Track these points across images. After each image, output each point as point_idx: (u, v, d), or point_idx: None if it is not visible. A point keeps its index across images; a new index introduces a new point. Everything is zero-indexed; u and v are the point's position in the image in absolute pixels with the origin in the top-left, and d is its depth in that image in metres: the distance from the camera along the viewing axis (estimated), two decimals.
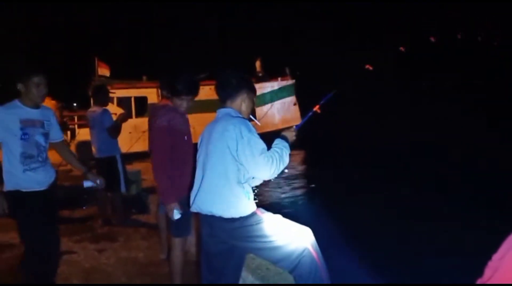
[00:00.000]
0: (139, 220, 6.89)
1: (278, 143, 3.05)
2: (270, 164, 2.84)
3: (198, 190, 3.06)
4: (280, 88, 18.24)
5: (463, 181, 9.28)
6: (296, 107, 18.21)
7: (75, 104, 21.94)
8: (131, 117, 6.73)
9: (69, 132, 15.71)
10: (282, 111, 18.20)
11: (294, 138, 3.15)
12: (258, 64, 18.76)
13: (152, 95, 16.41)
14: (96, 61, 16.96)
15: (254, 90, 3.27)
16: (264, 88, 17.79)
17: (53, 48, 30.61)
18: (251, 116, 3.32)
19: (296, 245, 2.96)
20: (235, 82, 3.20)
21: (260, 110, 17.23)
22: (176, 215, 3.78)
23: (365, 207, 7.58)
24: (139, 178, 8.06)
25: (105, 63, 17.44)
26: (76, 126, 15.67)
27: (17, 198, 3.59)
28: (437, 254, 5.63)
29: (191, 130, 4.23)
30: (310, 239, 3.02)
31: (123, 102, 15.47)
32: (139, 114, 15.44)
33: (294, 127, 3.24)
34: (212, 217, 3.00)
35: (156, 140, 4.00)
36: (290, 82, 18.28)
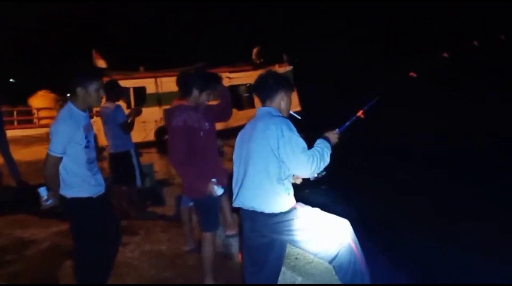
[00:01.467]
0: (156, 212, 7.01)
1: (320, 143, 3.17)
2: (311, 162, 2.97)
3: (240, 186, 3.19)
4: None
5: None
6: (295, 94, 18.29)
7: (68, 95, 21.84)
8: (141, 111, 6.76)
9: None
10: None
11: (336, 140, 3.27)
12: (255, 51, 18.80)
13: (150, 85, 16.48)
14: (94, 53, 16.90)
15: (292, 88, 3.38)
16: None
17: (48, 40, 30.44)
18: (291, 113, 3.42)
19: (334, 237, 3.11)
20: (272, 82, 3.32)
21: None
22: (219, 190, 3.96)
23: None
24: (152, 171, 8.16)
25: (101, 55, 17.38)
26: None
27: (89, 204, 3.58)
28: None
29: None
30: (349, 230, 3.17)
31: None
32: (138, 104, 15.46)
33: (337, 130, 3.35)
34: (254, 212, 3.13)
35: (174, 141, 4.09)
36: (288, 68, 18.33)
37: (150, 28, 33.55)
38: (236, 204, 3.27)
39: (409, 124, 14.69)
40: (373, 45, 30.91)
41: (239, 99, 18.00)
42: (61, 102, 16.32)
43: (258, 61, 18.68)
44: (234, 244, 5.09)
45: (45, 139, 17.52)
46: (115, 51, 20.36)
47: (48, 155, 3.43)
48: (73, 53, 24.35)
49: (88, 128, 3.59)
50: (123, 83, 15.81)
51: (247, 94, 18.36)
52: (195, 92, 4.17)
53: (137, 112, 6.75)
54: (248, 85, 18.12)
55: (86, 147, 3.53)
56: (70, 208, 3.58)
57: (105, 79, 13.54)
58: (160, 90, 16.40)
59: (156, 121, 15.73)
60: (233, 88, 17.06)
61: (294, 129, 3.07)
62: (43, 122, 19.06)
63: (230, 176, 3.63)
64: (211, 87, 4.27)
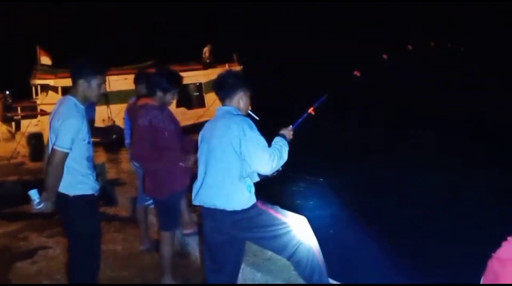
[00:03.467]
0: (108, 212, 6.91)
1: (278, 140, 3.27)
2: (272, 160, 3.06)
3: (201, 185, 3.23)
4: None
5: None
6: None
7: (7, 92, 21.04)
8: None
9: (13, 123, 15.17)
10: None
11: (291, 136, 3.38)
12: (206, 50, 18.78)
13: None
14: (38, 50, 16.41)
15: (250, 88, 3.45)
16: (211, 74, 17.83)
17: None
18: (249, 112, 3.49)
19: (293, 234, 3.21)
20: (231, 81, 3.37)
21: (209, 97, 17.31)
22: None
23: None
24: (103, 171, 8.01)
25: (46, 51, 16.90)
26: (20, 117, 15.13)
27: (91, 201, 3.51)
28: None
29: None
30: (306, 227, 3.27)
31: (68, 91, 15.11)
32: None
33: (291, 126, 3.46)
34: (215, 210, 3.18)
35: (139, 139, 4.09)
36: (237, 68, 18.42)
37: (97, 24, 32.78)
38: (196, 202, 3.29)
39: None
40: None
41: (189, 98, 17.91)
42: (5, 99, 15.87)
43: (208, 60, 18.66)
44: (191, 243, 5.11)
45: None
46: (60, 47, 19.76)
47: (55, 151, 3.27)
48: (16, 48, 23.53)
49: (90, 123, 3.53)
50: (69, 81, 15.51)
51: (197, 93, 18.30)
52: (159, 93, 4.16)
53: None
54: (198, 84, 18.08)
55: (88, 143, 3.45)
56: (73, 207, 3.44)
57: (55, 77, 13.11)
58: (108, 89, 16.08)
59: (104, 120, 15.44)
60: (183, 87, 16.94)
61: (255, 127, 3.14)
62: None
63: (192, 176, 3.67)
64: (175, 88, 4.26)
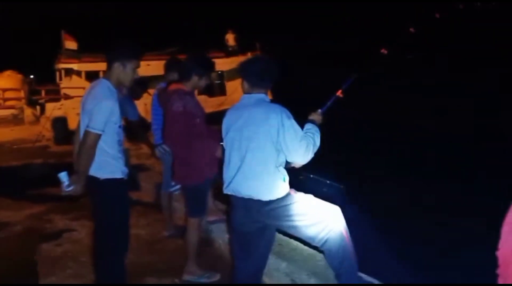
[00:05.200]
0: (131, 197, 6.83)
1: (310, 127, 3.23)
2: (308, 150, 3.05)
3: (236, 174, 3.18)
4: None
5: None
6: None
7: (32, 76, 21.29)
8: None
9: (38, 107, 15.35)
10: None
11: (321, 121, 3.35)
12: (231, 37, 18.69)
13: None
14: (63, 34, 16.53)
15: (278, 76, 3.38)
16: (234, 63, 17.76)
17: (15, 19, 29.46)
18: None
19: (326, 222, 3.17)
20: (260, 69, 3.31)
21: (230, 85, 17.27)
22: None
23: None
24: (127, 156, 8.04)
25: (72, 36, 17.01)
26: (44, 100, 15.30)
27: (121, 185, 3.48)
28: None
29: None
30: (339, 217, 3.23)
31: (92, 76, 15.22)
32: None
33: (319, 110, 3.42)
34: (250, 200, 3.14)
35: (174, 125, 4.12)
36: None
37: (122, 11, 32.91)
38: (227, 191, 3.26)
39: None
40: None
41: (210, 86, 17.88)
42: (30, 83, 16.11)
43: (230, 48, 18.59)
44: (215, 230, 5.11)
45: (11, 120, 17.20)
46: (87, 32, 19.87)
47: (88, 132, 3.24)
48: (41, 32, 23.72)
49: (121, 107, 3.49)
50: (94, 66, 15.69)
51: (219, 81, 18.27)
52: (195, 78, 4.15)
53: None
54: (219, 72, 18.03)
55: (120, 127, 3.43)
56: (103, 190, 3.43)
57: (79, 61, 13.25)
58: None
59: None
60: None
61: (292, 117, 3.09)
62: (8, 103, 18.51)
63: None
64: (209, 72, 4.27)
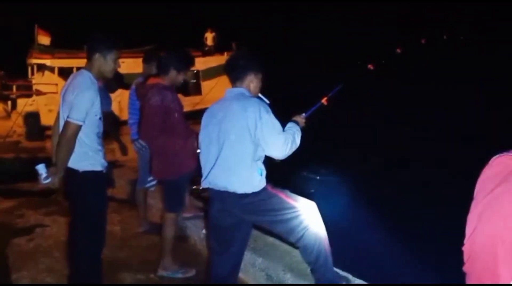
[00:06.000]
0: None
1: (291, 126, 3.26)
2: (287, 144, 3.06)
3: (213, 166, 3.20)
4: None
5: None
6: None
7: (2, 71, 20.85)
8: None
9: (9, 102, 15.01)
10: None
11: (303, 124, 3.39)
12: (210, 36, 18.64)
13: None
14: (36, 28, 16.21)
15: (262, 71, 3.41)
16: (210, 62, 17.73)
17: None
18: (260, 95, 3.46)
19: (302, 218, 3.20)
20: (243, 64, 3.34)
21: (205, 85, 17.23)
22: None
23: None
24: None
25: (46, 30, 16.70)
26: (15, 96, 14.97)
27: (100, 178, 3.46)
28: None
29: None
30: (315, 213, 3.27)
31: (65, 73, 14.96)
32: None
33: (303, 114, 3.47)
34: (225, 193, 3.15)
35: (150, 119, 4.09)
36: None
37: (98, 7, 32.39)
38: (205, 184, 3.27)
39: None
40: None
41: (185, 85, 17.79)
42: (2, 78, 15.70)
43: (207, 48, 18.56)
44: (190, 226, 5.10)
45: None
46: (61, 28, 19.53)
47: (68, 123, 3.21)
48: (13, 26, 23.25)
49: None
50: (67, 62, 15.44)
51: (194, 80, 18.19)
52: (173, 72, 4.15)
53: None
54: (195, 71, 17.95)
55: (100, 119, 3.40)
56: (82, 183, 3.40)
57: (52, 57, 13.03)
58: None
59: None
60: None
61: (271, 111, 3.12)
62: None
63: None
64: (188, 67, 4.29)
